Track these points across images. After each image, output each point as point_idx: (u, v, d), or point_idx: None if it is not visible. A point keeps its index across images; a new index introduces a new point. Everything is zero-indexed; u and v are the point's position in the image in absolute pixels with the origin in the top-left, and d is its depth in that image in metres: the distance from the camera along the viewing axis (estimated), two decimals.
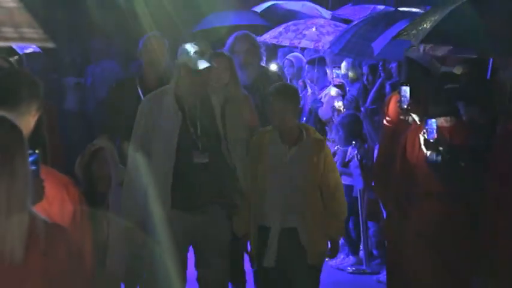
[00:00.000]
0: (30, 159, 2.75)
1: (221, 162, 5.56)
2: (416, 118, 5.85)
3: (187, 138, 5.50)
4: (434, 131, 5.46)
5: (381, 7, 10.62)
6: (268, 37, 10.34)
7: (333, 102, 8.89)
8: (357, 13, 11.20)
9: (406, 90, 5.77)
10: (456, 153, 5.48)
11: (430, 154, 5.51)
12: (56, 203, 3.42)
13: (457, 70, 6.26)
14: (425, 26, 5.83)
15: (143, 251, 5.50)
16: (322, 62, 9.66)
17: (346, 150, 8.37)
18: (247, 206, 5.61)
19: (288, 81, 9.55)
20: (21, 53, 8.14)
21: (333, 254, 5.87)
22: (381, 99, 7.78)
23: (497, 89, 6.03)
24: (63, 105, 9.97)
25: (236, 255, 6.23)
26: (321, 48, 10.15)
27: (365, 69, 9.14)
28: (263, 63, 7.54)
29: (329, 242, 5.72)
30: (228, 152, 5.59)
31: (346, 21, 11.13)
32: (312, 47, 10.39)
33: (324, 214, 5.56)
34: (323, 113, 9.10)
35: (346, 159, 8.34)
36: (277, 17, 12.29)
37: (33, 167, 2.82)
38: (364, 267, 8.30)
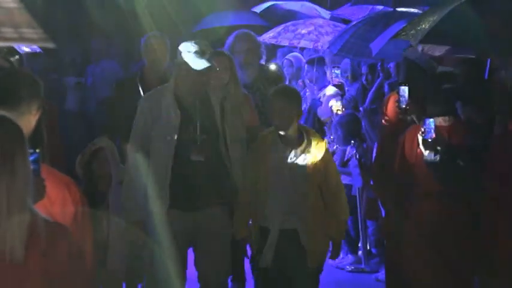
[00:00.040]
0: (31, 158, 2.75)
1: (219, 162, 5.55)
2: (414, 118, 5.87)
3: (186, 137, 5.48)
4: (433, 131, 5.45)
5: (380, 7, 10.61)
6: (267, 37, 10.33)
7: (331, 102, 8.90)
8: (356, 13, 11.18)
9: (404, 90, 5.79)
10: (454, 153, 5.48)
11: (428, 154, 5.51)
12: (58, 202, 3.41)
13: (456, 70, 6.29)
14: (423, 26, 5.85)
15: (143, 251, 5.50)
16: (322, 62, 9.64)
17: (345, 150, 8.38)
18: (246, 208, 5.58)
19: (287, 81, 9.56)
20: (21, 52, 8.15)
21: (334, 255, 5.78)
22: (380, 99, 7.78)
23: (496, 88, 6.05)
24: (63, 105, 9.97)
25: (236, 255, 6.22)
26: (320, 48, 10.15)
27: (364, 69, 9.14)
28: (263, 63, 7.54)
29: (331, 243, 5.69)
30: (227, 151, 5.58)
31: (345, 21, 11.14)
32: (311, 47, 10.39)
33: (325, 214, 5.54)
34: (322, 112, 9.11)
35: (345, 159, 8.35)
36: (276, 17, 12.28)
37: (34, 166, 2.81)
38: (363, 265, 8.28)
